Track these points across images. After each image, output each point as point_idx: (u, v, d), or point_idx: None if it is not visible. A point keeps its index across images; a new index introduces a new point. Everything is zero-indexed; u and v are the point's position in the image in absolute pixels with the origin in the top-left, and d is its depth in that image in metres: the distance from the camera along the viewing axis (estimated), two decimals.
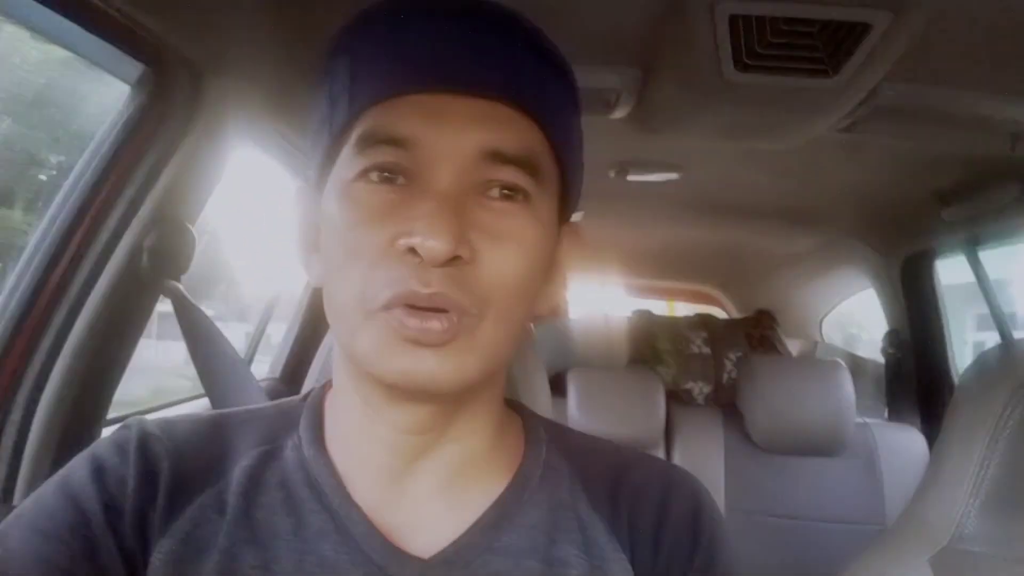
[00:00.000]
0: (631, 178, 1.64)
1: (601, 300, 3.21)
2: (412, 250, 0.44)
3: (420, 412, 0.49)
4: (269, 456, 0.52)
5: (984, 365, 1.00)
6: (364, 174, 0.46)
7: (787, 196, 1.81)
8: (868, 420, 1.93)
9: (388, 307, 0.44)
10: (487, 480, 0.53)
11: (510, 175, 0.46)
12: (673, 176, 1.63)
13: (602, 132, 1.27)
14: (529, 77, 0.48)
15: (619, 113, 1.12)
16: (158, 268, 0.82)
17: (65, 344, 0.77)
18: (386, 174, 0.46)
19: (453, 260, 0.44)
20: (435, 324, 0.44)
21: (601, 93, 1.06)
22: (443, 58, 0.47)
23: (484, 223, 0.46)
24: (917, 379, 2.01)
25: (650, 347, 2.28)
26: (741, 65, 0.86)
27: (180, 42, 0.78)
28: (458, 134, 0.46)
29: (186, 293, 0.86)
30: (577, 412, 1.91)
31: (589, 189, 1.92)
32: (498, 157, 0.46)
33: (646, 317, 2.41)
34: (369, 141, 0.46)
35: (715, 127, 1.09)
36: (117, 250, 0.80)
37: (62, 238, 0.77)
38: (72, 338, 0.77)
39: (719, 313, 3.03)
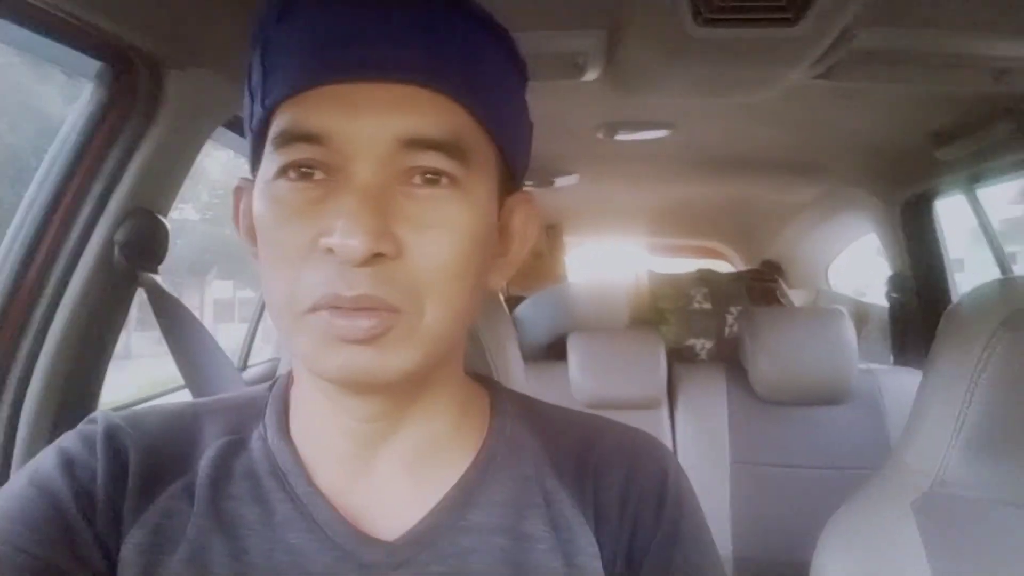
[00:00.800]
0: (620, 137, 1.62)
1: (607, 262, 3.21)
2: (333, 250, 0.42)
3: (375, 401, 0.49)
4: (236, 446, 0.52)
5: (968, 303, 0.99)
6: (283, 172, 0.45)
7: (782, 147, 1.79)
8: (872, 366, 1.92)
9: (315, 309, 0.44)
10: (451, 460, 0.53)
11: (432, 160, 0.44)
12: (662, 133, 1.61)
13: (582, 95, 1.25)
14: (452, 56, 0.46)
15: (591, 75, 1.11)
16: (132, 261, 0.83)
17: (45, 343, 0.78)
18: (304, 170, 0.44)
19: (376, 258, 0.42)
20: (363, 322, 0.43)
21: (568, 57, 1.05)
22: (355, 45, 0.44)
23: (410, 214, 0.44)
24: (922, 321, 1.99)
25: (651, 306, 2.28)
26: (701, 19, 0.85)
27: (138, 38, 0.78)
28: (374, 124, 0.44)
29: (163, 285, 0.87)
30: (579, 376, 1.92)
31: (579, 152, 1.92)
32: (418, 143, 0.44)
33: (645, 276, 2.41)
34: (284, 138, 0.45)
35: (686, 83, 1.08)
36: (89, 246, 0.81)
37: (34, 238, 0.78)
38: (52, 337, 0.79)
39: (726, 267, 3.02)
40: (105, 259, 0.82)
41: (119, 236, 0.82)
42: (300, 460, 0.51)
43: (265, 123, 0.47)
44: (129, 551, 0.47)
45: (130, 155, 0.83)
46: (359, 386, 0.47)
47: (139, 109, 0.83)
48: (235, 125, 1.09)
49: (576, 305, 2.08)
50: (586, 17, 0.95)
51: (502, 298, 0.90)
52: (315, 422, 0.52)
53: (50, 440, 0.78)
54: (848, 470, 1.76)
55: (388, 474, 0.51)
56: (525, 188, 0.57)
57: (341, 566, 0.48)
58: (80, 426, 0.52)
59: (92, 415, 0.53)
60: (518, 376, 0.82)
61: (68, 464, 0.48)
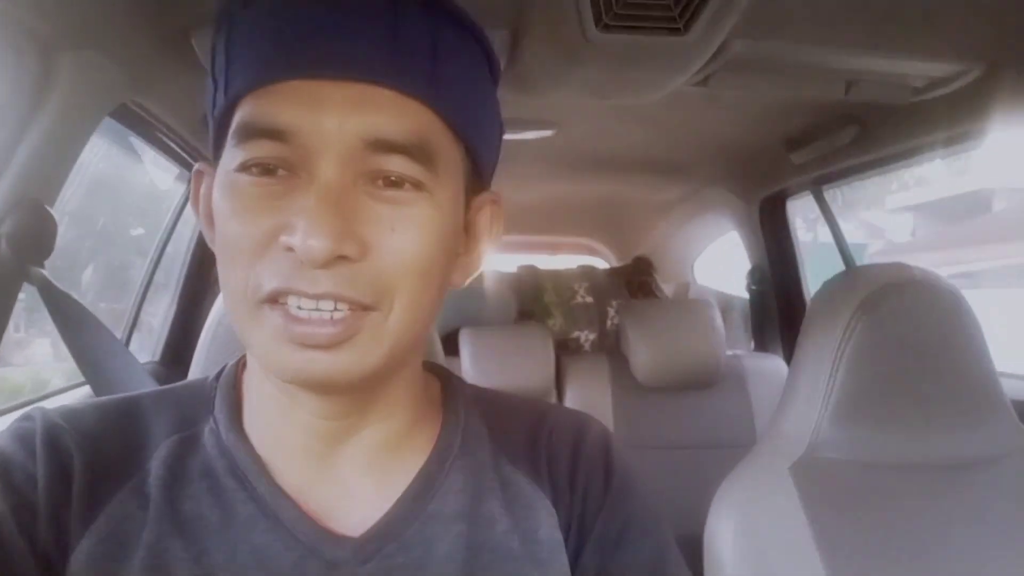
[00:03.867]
0: (506, 137, 1.66)
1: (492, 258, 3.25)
2: (293, 249, 0.42)
3: (336, 400, 0.49)
4: (187, 443, 0.50)
5: (828, 290, 1.11)
6: (244, 166, 0.44)
7: (655, 148, 1.90)
8: (738, 352, 2.09)
9: (272, 299, 0.43)
10: (410, 453, 0.53)
11: (397, 165, 0.44)
12: (547, 133, 1.67)
13: None
14: (419, 56, 0.45)
15: None
16: (19, 254, 0.77)
17: None
18: (268, 166, 0.44)
19: (338, 260, 0.42)
20: (323, 329, 0.42)
21: None
22: (320, 40, 0.43)
23: (375, 215, 0.44)
24: (778, 311, 2.19)
25: (537, 301, 2.36)
26: (602, 25, 0.90)
27: (26, 16, 0.72)
28: (337, 122, 0.43)
29: (51, 278, 0.81)
30: (472, 370, 1.95)
31: None
32: (383, 146, 0.43)
33: (532, 272, 2.48)
34: (246, 133, 0.44)
35: (583, 85, 1.13)
36: None
37: None
38: None
39: (601, 264, 3.16)
40: None
41: (5, 228, 0.76)
42: (258, 457, 0.50)
43: (227, 113, 0.46)
44: (79, 562, 0.45)
45: (16, 141, 0.77)
46: (317, 388, 0.47)
47: (26, 93, 0.77)
48: (120, 114, 1.03)
49: (465, 301, 2.10)
50: (491, 17, 0.98)
51: None
52: (272, 417, 0.51)
53: None
54: (720, 448, 1.91)
55: (351, 470, 0.51)
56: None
57: (307, 564, 0.47)
58: (14, 424, 0.48)
59: (27, 411, 0.49)
60: (438, 360, 0.84)
61: (3, 471, 0.45)
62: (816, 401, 1.04)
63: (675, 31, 0.92)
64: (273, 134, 0.43)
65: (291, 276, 0.42)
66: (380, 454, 0.52)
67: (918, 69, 1.11)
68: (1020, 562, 0.94)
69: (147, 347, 1.66)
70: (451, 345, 2.02)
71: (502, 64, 1.12)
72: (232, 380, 0.54)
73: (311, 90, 0.43)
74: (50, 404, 0.52)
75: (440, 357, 0.87)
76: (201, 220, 0.51)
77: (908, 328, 1.02)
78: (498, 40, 1.03)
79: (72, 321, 0.80)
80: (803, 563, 0.93)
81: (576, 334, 2.35)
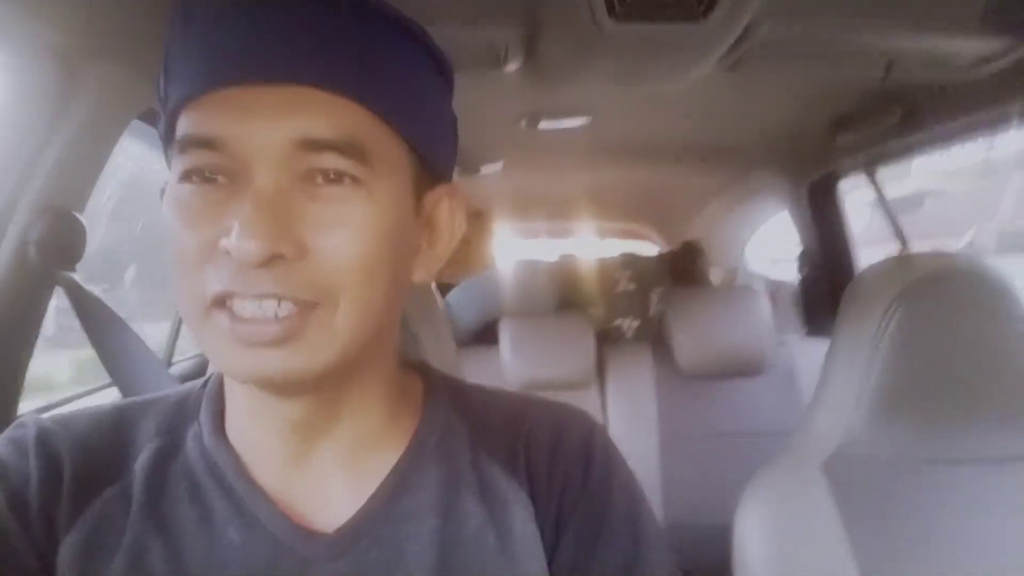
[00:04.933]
0: (542, 126, 1.65)
1: (533, 247, 3.25)
2: (230, 252, 0.43)
3: (301, 402, 0.49)
4: (171, 447, 0.52)
5: (864, 281, 1.07)
6: (186, 176, 0.45)
7: (697, 133, 1.85)
8: (786, 337, 2.04)
9: (217, 303, 0.44)
10: (386, 450, 0.53)
11: (330, 162, 0.44)
12: (583, 121, 1.65)
13: (505, 85, 1.27)
14: (344, 55, 0.45)
15: (512, 66, 1.13)
16: (48, 260, 0.81)
17: None
18: (207, 175, 0.45)
19: (276, 259, 0.43)
20: (268, 328, 0.43)
21: (490, 48, 1.07)
22: (244, 49, 0.44)
23: (312, 214, 0.44)
24: (829, 294, 2.11)
25: (579, 290, 2.34)
26: (615, 15, 0.88)
27: (48, 29, 0.75)
28: (266, 127, 0.44)
29: (81, 283, 0.85)
30: (511, 360, 1.95)
31: (504, 141, 1.94)
32: (314, 145, 0.44)
33: (573, 260, 2.46)
34: (185, 144, 0.45)
35: (603, 74, 1.11)
36: (3, 246, 0.78)
37: None
38: None
39: (650, 248, 3.11)
40: (20, 259, 0.79)
41: (34, 234, 0.79)
42: (237, 457, 0.51)
43: (170, 128, 0.48)
44: (65, 557, 0.47)
45: (42, 150, 0.80)
46: (272, 387, 0.47)
47: (50, 104, 0.80)
48: (151, 118, 1.07)
49: (505, 291, 2.11)
50: (506, 9, 0.97)
51: (433, 286, 0.91)
52: (247, 421, 0.52)
53: None
54: (767, 436, 1.85)
55: (325, 468, 0.52)
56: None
57: (281, 560, 0.48)
58: (9, 431, 0.51)
59: (21, 419, 0.52)
60: (451, 362, 0.84)
61: (0, 471, 0.48)
62: (850, 394, 1.01)
63: (693, 17, 0.89)
64: (206, 143, 0.44)
65: (232, 279, 0.43)
66: (355, 452, 0.52)
67: (962, 46, 1.04)
68: None
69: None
70: (491, 335, 2.02)
71: (520, 57, 1.11)
72: (217, 387, 0.55)
73: (240, 97, 0.44)
74: (81, 403, 0.55)
75: (451, 351, 0.87)
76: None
77: (951, 319, 0.98)
78: (514, 32, 1.02)
79: (100, 325, 0.84)
80: (835, 561, 0.91)
81: (618, 322, 2.32)
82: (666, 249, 3.02)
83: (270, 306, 0.43)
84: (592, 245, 3.24)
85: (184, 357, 1.69)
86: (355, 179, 0.45)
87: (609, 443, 0.58)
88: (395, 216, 0.48)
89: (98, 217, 0.92)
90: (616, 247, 2.92)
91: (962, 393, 0.97)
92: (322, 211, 0.45)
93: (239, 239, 0.41)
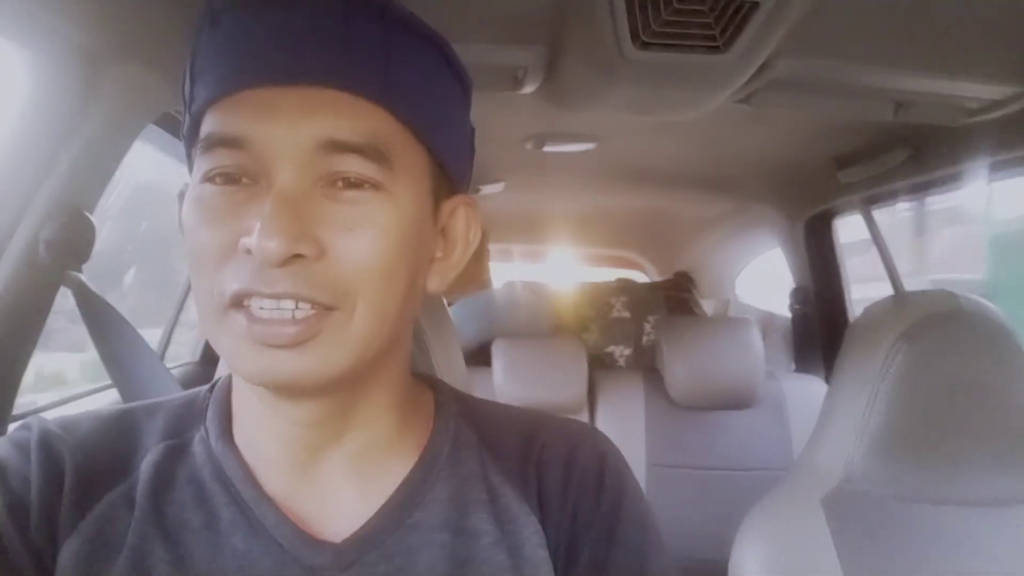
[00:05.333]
0: (547, 149, 1.66)
1: (528, 270, 3.25)
2: (251, 251, 0.43)
3: (312, 406, 0.49)
4: (177, 450, 0.52)
5: (870, 316, 1.08)
6: (209, 177, 0.45)
7: (699, 164, 1.87)
8: (777, 373, 2.05)
9: (235, 303, 0.44)
10: (396, 461, 0.53)
11: (352, 165, 0.45)
12: (589, 146, 1.66)
13: (515, 106, 1.28)
14: (369, 58, 0.46)
15: (528, 88, 1.13)
16: (57, 259, 0.80)
17: None
18: (230, 175, 0.45)
19: (296, 259, 0.43)
20: (285, 329, 0.43)
21: (508, 70, 1.07)
22: (272, 50, 0.45)
23: (333, 216, 0.45)
24: (820, 332, 2.13)
25: (573, 314, 2.34)
26: (639, 43, 0.89)
27: (71, 28, 0.75)
28: (290, 128, 0.44)
29: (88, 283, 0.83)
30: (503, 381, 1.95)
31: (507, 162, 1.94)
32: (337, 147, 0.44)
33: (568, 284, 2.47)
34: (209, 143, 0.45)
35: (621, 101, 1.12)
36: (13, 242, 0.77)
37: None
38: None
39: (641, 277, 3.13)
40: (30, 257, 0.78)
41: (45, 233, 0.78)
42: (244, 464, 0.51)
43: (194, 129, 0.48)
44: (66, 561, 0.46)
45: (60, 150, 0.79)
46: (284, 390, 0.47)
47: (70, 103, 0.79)
48: (165, 123, 1.06)
49: (500, 312, 2.10)
50: (528, 32, 0.97)
51: (445, 301, 0.91)
52: (256, 426, 0.52)
53: None
54: (755, 471, 1.87)
55: (333, 477, 0.51)
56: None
57: (287, 570, 0.47)
58: (12, 432, 0.51)
59: (26, 421, 0.51)
60: (460, 376, 0.84)
61: (1, 471, 0.47)
62: (852, 431, 1.01)
63: (715, 49, 0.90)
64: (231, 143, 0.44)
65: (251, 278, 0.43)
66: (364, 461, 0.52)
67: (972, 91, 1.06)
68: None
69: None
70: (484, 356, 2.02)
71: (539, 79, 1.12)
72: (225, 392, 0.55)
73: (265, 98, 0.44)
74: (77, 406, 0.53)
75: (461, 368, 0.86)
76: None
77: (952, 360, 0.99)
78: (534, 54, 1.02)
79: (104, 326, 0.82)
80: None
81: (611, 349, 2.32)
82: (658, 278, 3.04)
83: (288, 306, 0.43)
84: (568, 272, 3.23)
85: (176, 364, 1.66)
86: (376, 184, 0.46)
87: (620, 461, 0.57)
88: (414, 221, 0.48)
89: (102, 218, 0.90)
90: (607, 275, 2.92)
91: (960, 434, 0.98)
92: (343, 213, 0.45)
93: (260, 238, 0.42)
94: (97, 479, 0.49)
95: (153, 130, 1.05)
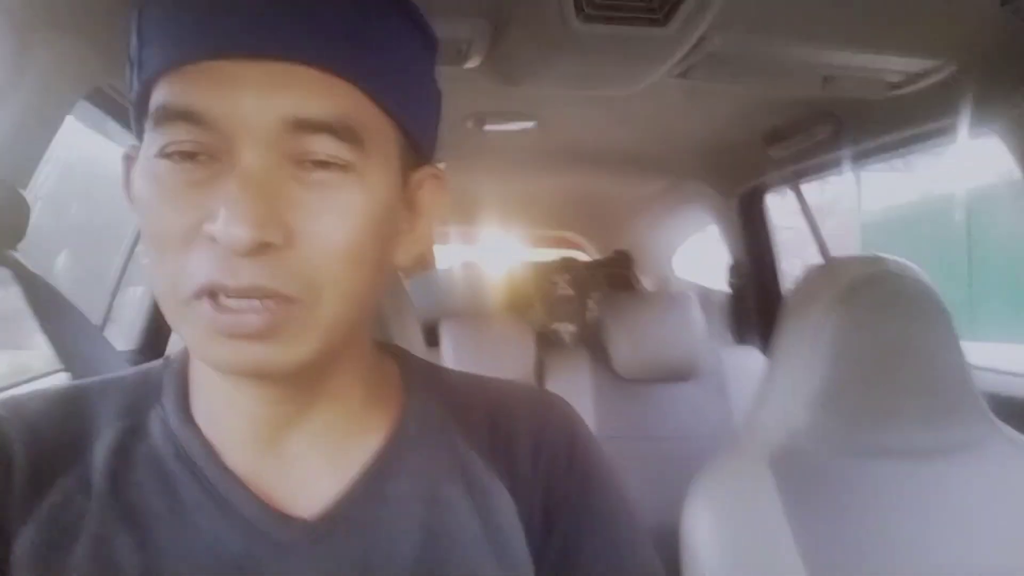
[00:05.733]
0: (488, 128, 1.67)
1: (468, 251, 3.25)
2: (216, 238, 0.40)
3: (276, 387, 0.48)
4: (133, 431, 0.49)
5: (804, 283, 1.13)
6: (165, 152, 0.42)
7: (634, 142, 1.91)
8: (717, 345, 2.11)
9: (198, 297, 0.41)
10: (365, 434, 0.52)
11: (324, 146, 0.42)
12: (529, 125, 1.68)
13: (457, 83, 1.28)
14: (340, 29, 0.43)
15: (471, 63, 1.14)
16: None
17: None
18: (186, 151, 0.42)
19: (263, 248, 0.40)
20: (251, 318, 0.41)
21: (452, 43, 1.07)
22: (234, 18, 0.41)
23: (301, 200, 0.42)
24: (756, 304, 2.21)
25: (519, 293, 2.36)
26: (583, 16, 0.91)
27: None
28: (256, 105, 0.41)
29: (25, 262, 0.80)
30: (452, 360, 1.95)
31: (448, 141, 1.93)
32: (306, 126, 0.42)
33: (512, 264, 2.49)
34: (162, 116, 0.42)
35: (563, 76, 1.14)
36: None
37: None
38: None
39: (582, 257, 3.17)
40: None
41: None
42: (206, 441, 0.49)
43: (143, 96, 0.44)
44: (22, 551, 0.44)
45: None
46: (252, 377, 0.46)
47: None
48: (96, 98, 1.02)
49: (447, 292, 2.11)
50: (471, 4, 0.98)
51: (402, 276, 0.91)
52: (217, 404, 0.50)
53: None
54: (699, 439, 1.92)
55: (300, 453, 0.50)
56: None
57: (257, 547, 0.46)
58: None
59: None
60: (418, 348, 0.84)
61: None
62: (793, 392, 1.05)
63: (655, 22, 0.93)
64: (189, 117, 0.41)
65: (217, 268, 0.41)
66: (332, 436, 0.51)
67: (893, 64, 1.12)
68: (995, 549, 0.96)
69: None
70: (432, 335, 2.02)
71: (482, 54, 1.12)
72: (180, 367, 0.53)
73: (227, 70, 0.41)
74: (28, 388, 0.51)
75: (420, 344, 0.87)
76: (132, 205, 0.48)
77: (882, 320, 1.04)
78: (478, 28, 1.03)
79: (47, 305, 0.79)
80: (781, 554, 0.94)
81: (556, 326, 2.36)
82: (597, 258, 3.08)
83: (254, 299, 0.41)
84: (509, 252, 3.24)
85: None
86: (346, 164, 0.43)
87: (587, 430, 0.58)
88: (385, 202, 0.46)
89: (32, 200, 0.87)
90: (538, 255, 2.94)
91: (893, 389, 1.03)
92: (311, 196, 0.42)
93: (227, 224, 0.39)
94: (49, 464, 0.47)
95: (83, 105, 1.02)
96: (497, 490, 0.52)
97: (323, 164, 0.43)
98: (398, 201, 0.49)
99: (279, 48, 0.41)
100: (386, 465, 0.51)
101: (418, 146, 0.51)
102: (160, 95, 0.42)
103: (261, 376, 0.45)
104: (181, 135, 0.41)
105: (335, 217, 0.43)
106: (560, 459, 0.54)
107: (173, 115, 0.41)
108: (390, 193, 0.47)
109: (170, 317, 0.44)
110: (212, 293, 0.41)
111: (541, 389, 0.61)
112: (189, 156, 0.42)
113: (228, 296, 0.41)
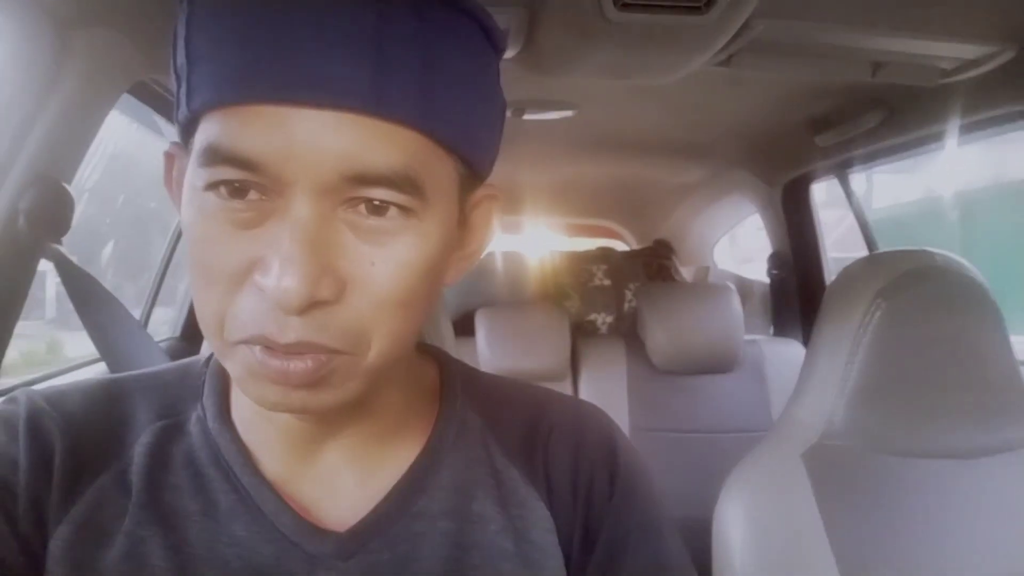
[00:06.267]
0: (527, 117, 1.66)
1: (507, 241, 3.25)
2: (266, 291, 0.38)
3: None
4: (172, 431, 0.49)
5: (847, 277, 1.09)
6: (212, 185, 0.39)
7: (677, 130, 1.88)
8: (756, 337, 2.08)
9: (246, 343, 0.40)
10: (401, 447, 0.51)
11: (381, 195, 0.39)
12: (568, 113, 1.66)
13: None
14: (406, 72, 0.39)
15: (509, 52, 1.13)
16: (37, 231, 0.78)
17: None
18: (236, 185, 0.39)
19: (314, 305, 0.38)
20: (298, 367, 0.39)
21: None
22: (292, 58, 0.37)
23: (356, 251, 0.40)
24: (798, 295, 2.16)
25: (555, 283, 2.35)
26: (620, 4, 0.89)
27: None
28: (313, 155, 0.38)
29: (69, 255, 0.82)
30: (487, 350, 1.96)
31: None
32: (365, 180, 0.39)
33: (549, 253, 2.47)
34: (211, 157, 0.39)
35: (601, 65, 1.12)
36: None
37: None
38: None
39: (620, 246, 3.14)
40: (9, 229, 0.76)
41: (23, 204, 0.77)
42: (243, 448, 0.49)
43: (192, 121, 0.41)
44: (57, 548, 0.44)
45: (33, 119, 0.77)
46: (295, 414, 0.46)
47: (42, 70, 0.77)
48: (139, 91, 1.04)
49: (483, 282, 2.11)
50: None
51: None
52: (256, 411, 0.49)
53: None
54: (736, 433, 1.90)
55: (335, 464, 0.50)
56: None
57: (288, 558, 0.46)
58: (0, 407, 0.48)
59: (13, 394, 0.48)
60: (449, 346, 0.84)
61: None
62: (832, 388, 1.03)
63: (695, 10, 0.90)
64: (239, 163, 0.38)
65: (265, 321, 0.39)
66: (368, 448, 0.50)
67: (947, 51, 1.08)
68: None
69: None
70: (467, 325, 2.02)
71: (519, 44, 1.11)
72: (220, 367, 0.51)
73: (284, 116, 0.38)
74: (67, 379, 0.53)
75: (451, 339, 0.86)
76: (176, 203, 0.46)
77: (928, 316, 1.00)
78: (514, 18, 1.02)
79: (88, 298, 0.81)
80: (813, 550, 0.93)
81: (593, 316, 2.34)
82: (637, 246, 3.05)
83: (300, 354, 0.40)
84: (547, 242, 3.22)
85: (158, 340, 1.64)
86: (404, 210, 0.40)
87: (628, 444, 0.56)
88: (443, 245, 0.44)
89: (79, 191, 0.89)
90: (587, 244, 2.92)
91: (937, 387, 1.00)
92: (365, 245, 0.40)
93: (279, 280, 0.37)
94: (89, 460, 0.47)
95: (127, 99, 1.04)
96: (533, 504, 0.51)
97: (379, 209, 0.40)
98: (454, 229, 0.46)
99: (340, 95, 0.38)
100: (419, 479, 0.50)
101: (477, 170, 0.47)
102: (210, 132, 0.39)
103: (302, 415, 0.45)
104: (229, 176, 0.39)
105: (391, 266, 0.40)
106: (601, 473, 0.53)
107: (222, 159, 0.38)
108: (448, 229, 0.44)
109: (215, 350, 0.43)
110: (260, 342, 0.40)
111: (579, 400, 0.59)
112: (238, 192, 0.39)
113: (275, 350, 0.39)
